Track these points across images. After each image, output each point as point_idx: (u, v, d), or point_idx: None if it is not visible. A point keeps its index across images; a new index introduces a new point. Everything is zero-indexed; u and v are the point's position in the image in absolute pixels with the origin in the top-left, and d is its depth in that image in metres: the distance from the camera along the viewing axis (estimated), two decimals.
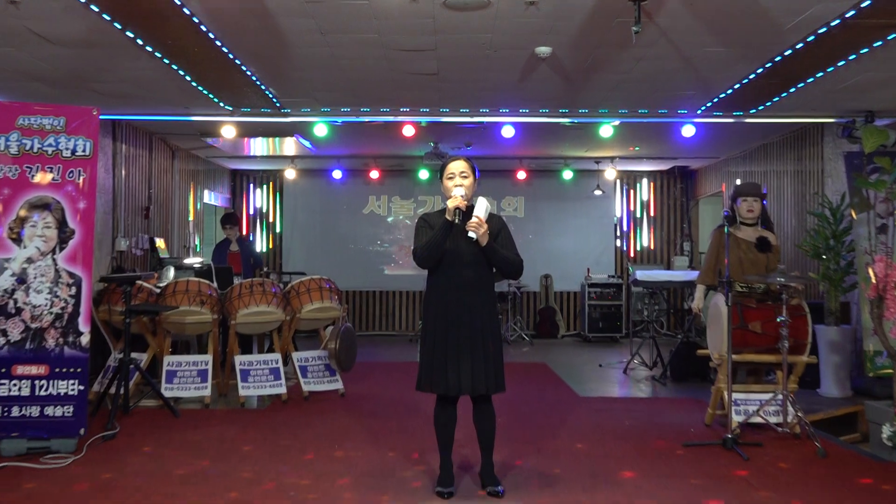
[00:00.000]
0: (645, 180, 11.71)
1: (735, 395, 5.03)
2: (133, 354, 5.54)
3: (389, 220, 11.66)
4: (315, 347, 6.53)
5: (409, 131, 7.48)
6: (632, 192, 11.73)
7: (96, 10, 4.32)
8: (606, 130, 7.61)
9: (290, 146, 9.33)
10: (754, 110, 6.79)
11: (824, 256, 6.66)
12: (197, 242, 9.96)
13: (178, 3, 4.24)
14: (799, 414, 4.80)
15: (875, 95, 6.17)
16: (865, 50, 4.95)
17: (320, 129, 7.52)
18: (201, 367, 6.02)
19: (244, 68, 5.59)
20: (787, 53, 5.07)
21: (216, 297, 6.17)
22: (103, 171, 7.35)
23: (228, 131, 7.49)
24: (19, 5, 4.22)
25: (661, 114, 7.06)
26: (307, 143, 8.90)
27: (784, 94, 6.17)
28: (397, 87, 6.17)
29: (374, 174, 10.91)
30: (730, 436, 4.62)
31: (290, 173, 10.78)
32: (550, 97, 6.51)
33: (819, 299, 6.97)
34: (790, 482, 4.03)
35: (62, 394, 4.55)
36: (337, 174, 10.92)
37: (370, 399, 6.29)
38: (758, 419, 4.97)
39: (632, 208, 11.72)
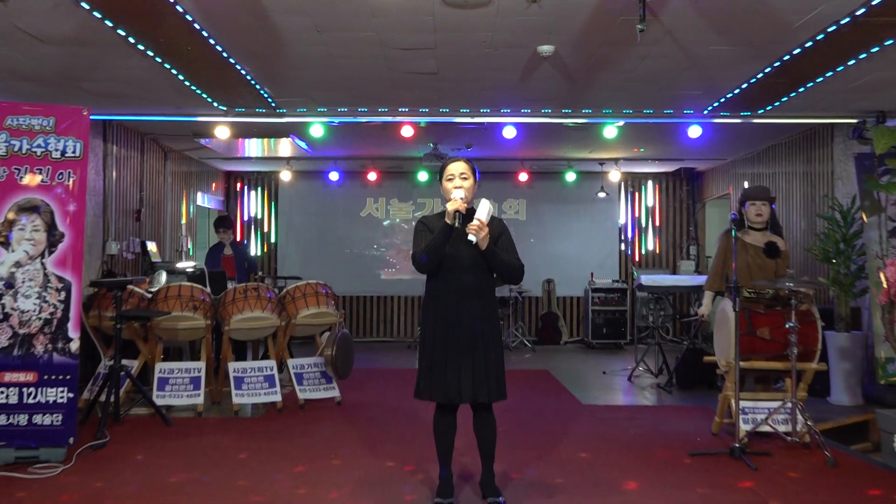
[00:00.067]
0: (650, 182, 11.72)
1: (743, 403, 5.03)
2: (124, 361, 5.54)
3: (385, 223, 11.66)
4: (311, 354, 6.54)
5: (407, 132, 7.49)
6: (637, 194, 11.75)
7: (87, 7, 4.33)
8: (610, 131, 7.62)
9: (285, 147, 9.35)
10: (762, 110, 6.80)
11: (834, 261, 6.66)
12: (189, 246, 9.97)
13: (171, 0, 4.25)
14: (808, 422, 4.80)
15: (886, 95, 6.18)
16: (876, 48, 4.96)
17: (316, 130, 7.52)
18: (194, 375, 6.02)
19: (238, 67, 5.60)
20: (795, 52, 5.08)
21: (209, 303, 6.17)
22: (94, 172, 7.36)
23: (222, 132, 7.50)
24: (7, 2, 4.22)
25: (667, 114, 7.07)
26: (303, 145, 8.91)
27: (793, 94, 6.18)
28: (396, 87, 6.18)
29: (372, 176, 10.91)
30: (737, 445, 4.62)
31: (285, 175, 10.78)
32: (553, 97, 6.52)
33: (829, 305, 6.97)
34: (799, 492, 4.03)
35: (51, 402, 4.55)
36: (333, 176, 10.93)
37: (367, 407, 6.29)
38: (766, 428, 4.97)
39: (636, 213, 11.72)
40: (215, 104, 6.70)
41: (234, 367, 6.11)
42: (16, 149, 4.64)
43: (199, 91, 6.23)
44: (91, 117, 4.93)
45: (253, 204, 11.74)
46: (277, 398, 6.09)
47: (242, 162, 10.72)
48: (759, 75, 5.67)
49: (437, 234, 3.64)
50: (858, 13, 4.32)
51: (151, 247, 8.13)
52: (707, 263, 10.45)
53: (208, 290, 6.37)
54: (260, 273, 10.44)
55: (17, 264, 4.58)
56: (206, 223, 10.68)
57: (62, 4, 4.28)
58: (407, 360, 9.20)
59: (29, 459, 4.45)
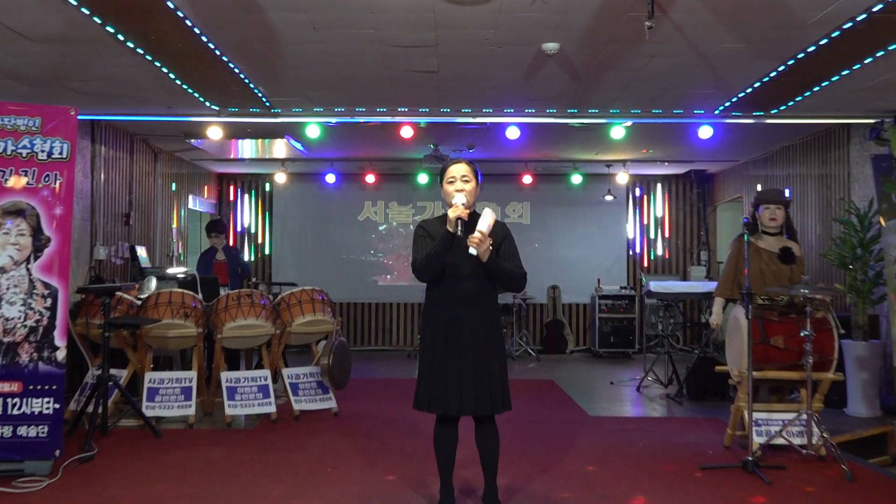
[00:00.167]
0: (659, 185, 11.73)
1: (756, 415, 5.02)
2: (112, 371, 5.54)
3: (384, 227, 11.67)
4: (307, 363, 6.53)
5: (407, 133, 7.51)
6: (645, 197, 11.75)
7: (74, 3, 4.34)
8: (618, 132, 7.63)
9: (280, 148, 9.36)
10: (776, 110, 6.80)
11: (851, 266, 6.66)
12: (181, 251, 9.98)
13: None
14: (824, 435, 4.79)
15: None
16: (894, 46, 4.97)
17: (312, 131, 7.54)
18: (185, 385, 6.01)
19: (232, 65, 5.62)
20: (810, 50, 5.09)
21: (201, 310, 6.17)
22: (81, 174, 7.38)
23: (215, 132, 7.51)
24: None
25: (677, 114, 7.07)
26: (298, 146, 8.92)
27: (807, 94, 6.19)
28: (395, 86, 6.19)
29: (370, 178, 10.93)
30: (750, 458, 4.62)
31: (280, 177, 10.80)
32: (558, 96, 6.53)
33: (846, 312, 6.97)
34: None
35: (36, 413, 4.55)
36: (330, 178, 10.94)
37: (365, 418, 6.28)
38: (780, 440, 4.97)
39: (645, 217, 11.71)
40: (207, 104, 6.72)
41: (226, 376, 6.10)
42: (0, 150, 4.65)
43: (190, 90, 6.25)
44: (79, 117, 4.94)
45: (246, 207, 11.74)
46: (272, 409, 6.08)
47: (236, 164, 10.74)
48: (773, 74, 5.68)
49: (438, 243, 3.63)
50: (875, 9, 4.33)
51: (141, 252, 8.14)
52: (718, 269, 10.44)
53: (200, 296, 6.38)
54: (254, 279, 10.47)
55: (2, 270, 4.58)
56: (197, 227, 10.70)
57: (49, 0, 4.30)
58: (406, 370, 9.20)
59: (13, 473, 4.44)
